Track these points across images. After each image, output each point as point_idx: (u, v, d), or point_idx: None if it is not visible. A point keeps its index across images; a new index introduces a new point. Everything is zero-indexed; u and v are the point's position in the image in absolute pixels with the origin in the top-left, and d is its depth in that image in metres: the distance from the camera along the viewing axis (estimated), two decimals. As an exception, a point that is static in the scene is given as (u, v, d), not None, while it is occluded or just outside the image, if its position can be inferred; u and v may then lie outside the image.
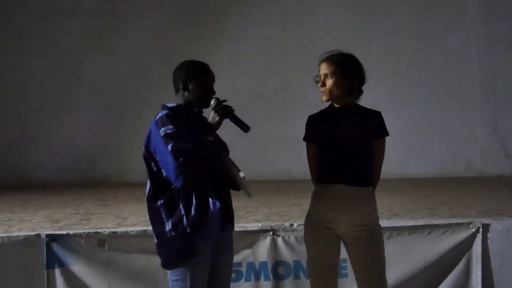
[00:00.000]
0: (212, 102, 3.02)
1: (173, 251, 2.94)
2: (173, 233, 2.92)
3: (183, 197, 2.92)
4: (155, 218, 2.98)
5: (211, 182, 2.97)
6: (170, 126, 2.89)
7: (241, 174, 2.98)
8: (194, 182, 2.88)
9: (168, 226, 2.93)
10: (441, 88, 9.94)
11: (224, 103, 2.99)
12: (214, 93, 3.07)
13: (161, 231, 2.96)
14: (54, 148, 9.85)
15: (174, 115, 2.96)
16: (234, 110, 3.02)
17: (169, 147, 2.85)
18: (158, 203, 2.96)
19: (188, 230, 2.90)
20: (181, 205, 2.92)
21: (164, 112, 2.98)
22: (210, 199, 2.94)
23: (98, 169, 9.82)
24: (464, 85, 9.98)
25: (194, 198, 2.92)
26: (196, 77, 3.04)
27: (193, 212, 2.91)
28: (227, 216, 3.03)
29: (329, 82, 3.18)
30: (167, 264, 2.99)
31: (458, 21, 10.00)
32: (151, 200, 3.00)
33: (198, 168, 2.86)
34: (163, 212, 2.95)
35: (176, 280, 2.97)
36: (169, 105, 3.06)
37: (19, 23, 9.90)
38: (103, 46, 9.98)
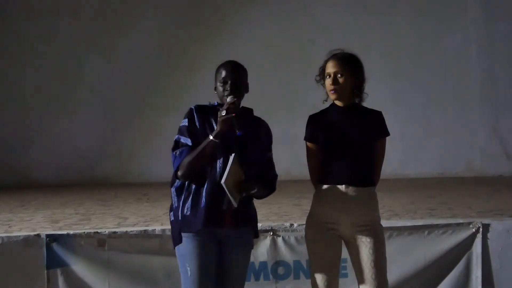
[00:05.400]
0: (228, 100, 3.01)
1: (171, 234, 3.16)
2: (172, 218, 3.13)
3: (187, 188, 3.07)
4: (171, 202, 3.17)
5: (211, 180, 3.01)
6: (186, 120, 3.10)
7: (222, 180, 2.91)
8: (186, 175, 3.03)
9: (173, 210, 3.13)
10: (441, 88, 9.94)
11: (230, 103, 2.98)
12: (228, 91, 3.06)
13: (170, 214, 3.16)
14: (54, 148, 9.86)
15: (196, 111, 3.10)
16: (233, 112, 2.96)
17: (175, 138, 3.08)
18: (173, 189, 3.14)
19: (180, 218, 3.06)
20: (183, 195, 3.08)
21: (191, 106, 3.14)
22: (204, 196, 3.01)
23: (98, 169, 9.82)
24: (464, 85, 9.98)
25: (193, 191, 3.05)
26: (215, 76, 3.15)
27: (187, 203, 3.05)
28: (215, 216, 3.02)
29: (341, 80, 3.16)
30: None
31: (458, 21, 10.01)
32: (170, 185, 3.16)
33: (191, 164, 2.99)
34: (173, 198, 3.14)
35: (180, 266, 3.11)
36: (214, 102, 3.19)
37: (19, 23, 9.91)
38: (103, 46, 9.99)
